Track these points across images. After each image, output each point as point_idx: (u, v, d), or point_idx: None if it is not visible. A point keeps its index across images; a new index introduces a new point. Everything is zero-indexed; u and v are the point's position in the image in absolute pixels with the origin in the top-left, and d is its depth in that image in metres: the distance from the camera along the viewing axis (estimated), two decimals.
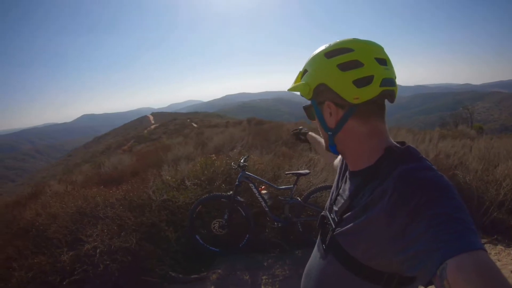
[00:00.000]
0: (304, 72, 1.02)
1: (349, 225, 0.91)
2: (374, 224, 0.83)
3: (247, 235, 3.97)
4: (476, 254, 0.62)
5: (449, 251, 0.63)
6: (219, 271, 3.70)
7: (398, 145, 0.97)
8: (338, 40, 0.97)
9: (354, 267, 0.90)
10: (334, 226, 1.00)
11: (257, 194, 4.08)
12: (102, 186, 4.94)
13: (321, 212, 1.16)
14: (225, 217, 3.95)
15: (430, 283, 0.67)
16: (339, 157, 1.36)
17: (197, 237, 3.97)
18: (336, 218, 1.01)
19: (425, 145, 8.11)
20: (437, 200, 0.73)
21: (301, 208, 4.13)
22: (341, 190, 1.08)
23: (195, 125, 34.44)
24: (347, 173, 1.09)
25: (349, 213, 0.94)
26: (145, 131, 44.91)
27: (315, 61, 0.98)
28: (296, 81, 1.06)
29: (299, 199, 4.13)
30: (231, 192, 3.97)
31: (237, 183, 3.96)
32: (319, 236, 1.14)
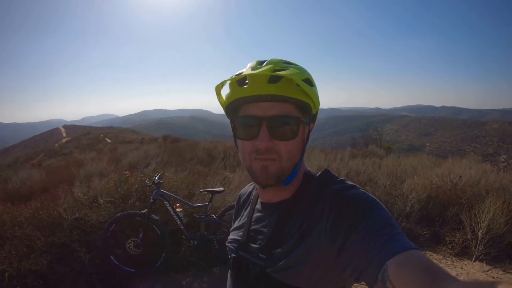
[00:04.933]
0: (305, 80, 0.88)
1: (286, 260, 0.87)
2: (317, 248, 0.83)
3: (163, 254, 3.91)
4: (413, 252, 0.67)
5: (388, 253, 0.67)
6: None
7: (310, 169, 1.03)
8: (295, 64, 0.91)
9: None
10: (263, 265, 0.91)
11: (171, 212, 4.08)
12: (9, 203, 4.53)
13: (230, 254, 1.05)
14: (140, 236, 3.88)
15: None
16: (245, 190, 1.26)
17: (112, 257, 3.83)
18: (262, 256, 0.93)
19: (336, 164, 8.73)
20: (370, 212, 0.78)
21: (216, 226, 4.22)
22: (256, 226, 1.02)
23: (109, 140, 33.03)
24: (257, 207, 1.07)
25: (280, 248, 0.90)
26: (56, 145, 42.16)
27: (313, 81, 0.92)
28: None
29: (214, 217, 4.21)
30: (145, 210, 3.92)
31: (151, 200, 3.93)
32: (233, 277, 1.03)
